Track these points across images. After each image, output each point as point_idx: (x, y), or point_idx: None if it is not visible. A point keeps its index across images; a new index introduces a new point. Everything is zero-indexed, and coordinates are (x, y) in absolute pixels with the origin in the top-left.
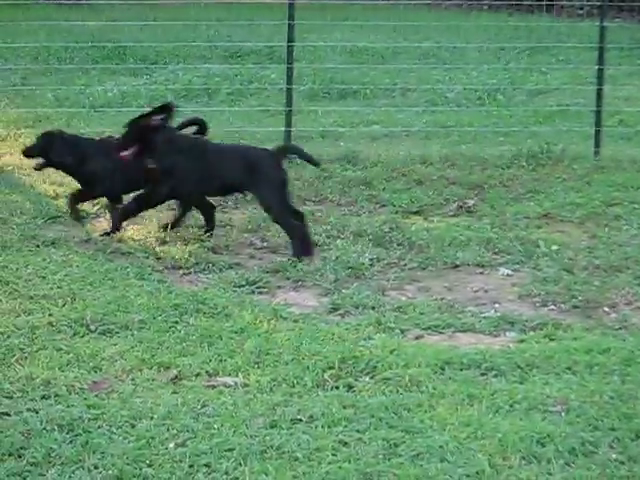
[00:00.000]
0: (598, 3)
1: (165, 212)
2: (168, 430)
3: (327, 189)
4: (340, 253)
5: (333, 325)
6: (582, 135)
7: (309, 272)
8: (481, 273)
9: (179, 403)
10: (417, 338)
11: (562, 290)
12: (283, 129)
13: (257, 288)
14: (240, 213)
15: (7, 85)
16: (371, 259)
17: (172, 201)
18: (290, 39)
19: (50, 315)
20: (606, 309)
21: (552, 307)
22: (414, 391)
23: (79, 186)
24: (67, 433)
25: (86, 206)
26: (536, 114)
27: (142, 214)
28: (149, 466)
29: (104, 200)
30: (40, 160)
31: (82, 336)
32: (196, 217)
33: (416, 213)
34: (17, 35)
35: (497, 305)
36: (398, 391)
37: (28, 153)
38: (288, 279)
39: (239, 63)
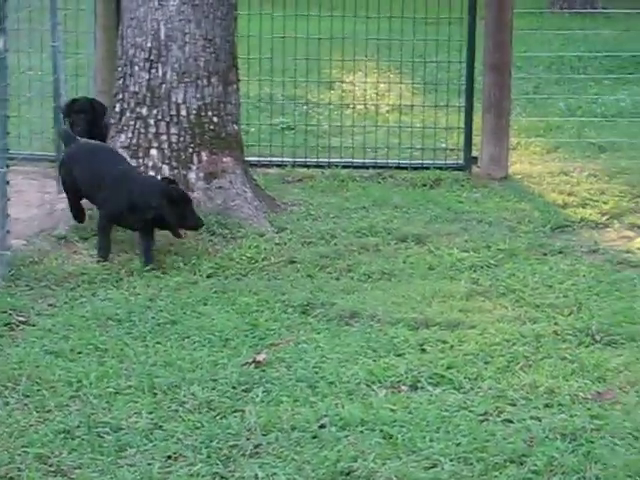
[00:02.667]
0: None
1: None
2: None
3: None
4: None
5: None
6: None
7: None
8: None
9: None
10: None
11: None
12: None
13: None
14: None
15: (520, 93)
16: None
17: None
18: None
19: (555, 324)
20: None
21: None
22: None
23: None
24: (569, 442)
25: (595, 216)
26: None
27: None
28: None
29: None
30: None
31: (587, 346)
32: None
33: None
34: (532, 44)
35: None
36: None
37: None
38: None
39: None
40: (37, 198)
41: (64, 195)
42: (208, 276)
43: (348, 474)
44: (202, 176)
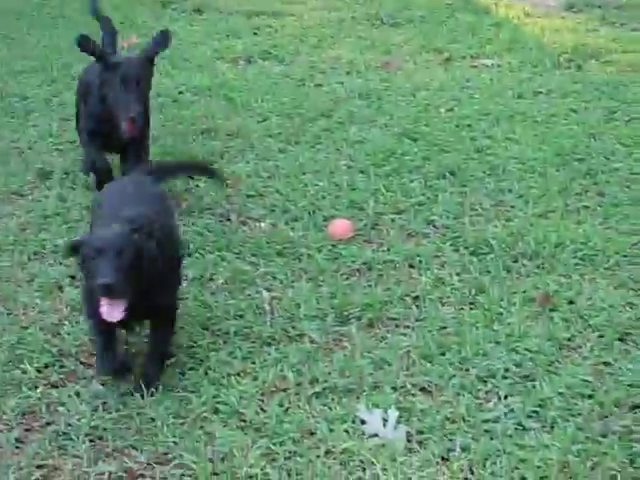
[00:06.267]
0: None
1: None
2: (440, 99)
3: None
4: None
5: (568, 20)
6: None
7: None
8: None
9: (449, 79)
10: (634, 30)
11: None
12: None
13: None
14: None
15: None
16: None
17: None
18: None
19: (354, 11)
20: None
21: None
22: (630, 72)
23: None
24: (365, 100)
25: None
26: None
27: None
28: (425, 125)
29: None
30: None
31: (377, 27)
32: None
33: None
34: None
35: None
36: (618, 71)
37: None
38: None
39: None
40: None
41: None
42: None
43: (203, 133)
44: None
